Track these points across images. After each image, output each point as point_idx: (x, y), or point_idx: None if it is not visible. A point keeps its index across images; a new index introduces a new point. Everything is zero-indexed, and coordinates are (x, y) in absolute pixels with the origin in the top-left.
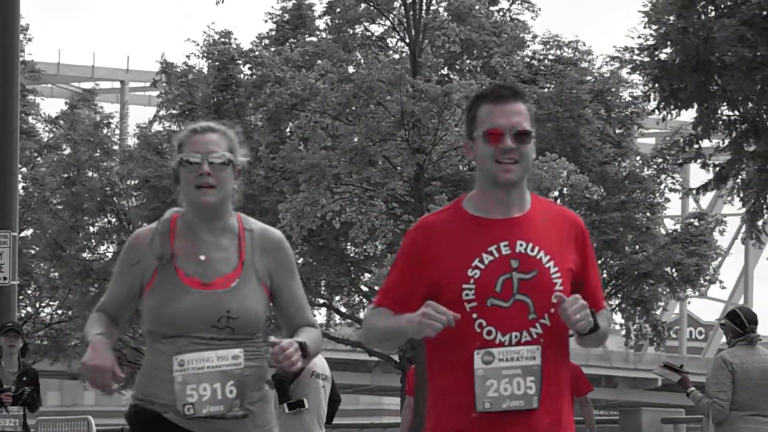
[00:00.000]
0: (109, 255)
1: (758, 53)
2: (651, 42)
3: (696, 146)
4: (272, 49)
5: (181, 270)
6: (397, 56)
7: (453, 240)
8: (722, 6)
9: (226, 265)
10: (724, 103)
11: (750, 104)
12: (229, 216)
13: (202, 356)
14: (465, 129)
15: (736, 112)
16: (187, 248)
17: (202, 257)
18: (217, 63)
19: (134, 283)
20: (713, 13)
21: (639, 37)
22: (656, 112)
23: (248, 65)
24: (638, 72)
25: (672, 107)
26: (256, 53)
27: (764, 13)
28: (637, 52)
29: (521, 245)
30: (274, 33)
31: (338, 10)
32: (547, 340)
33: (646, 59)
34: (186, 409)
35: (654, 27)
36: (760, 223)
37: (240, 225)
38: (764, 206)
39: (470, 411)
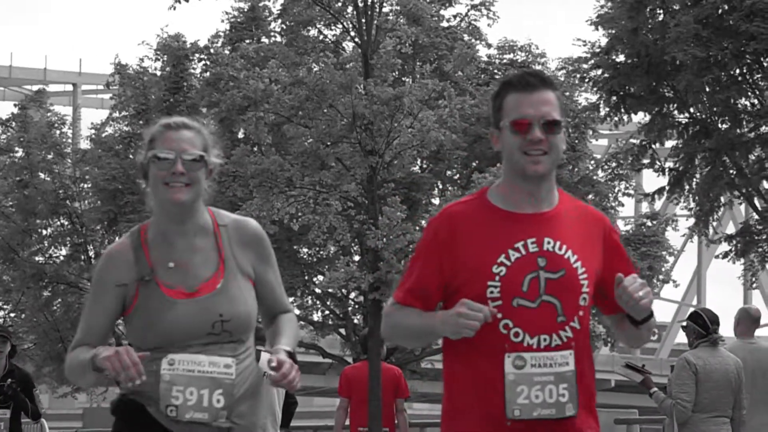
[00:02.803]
0: (62, 258)
1: (711, 52)
2: (602, 45)
3: (650, 151)
4: (227, 49)
5: (162, 282)
6: (350, 58)
7: (477, 233)
8: (671, 8)
9: (206, 268)
10: (675, 105)
11: (700, 105)
12: (200, 214)
13: (194, 359)
14: (491, 118)
15: (687, 114)
16: (163, 258)
17: (171, 264)
18: (168, 59)
19: (117, 305)
20: (661, 17)
21: (585, 44)
22: (608, 119)
23: (202, 62)
24: (587, 81)
25: (622, 112)
26: (212, 50)
27: (719, 11)
28: (585, 57)
29: (549, 243)
30: (228, 33)
31: (292, 13)
32: (578, 344)
33: (595, 68)
34: (168, 410)
35: (606, 26)
36: (713, 222)
37: (214, 221)
38: (714, 205)
39: (498, 418)
